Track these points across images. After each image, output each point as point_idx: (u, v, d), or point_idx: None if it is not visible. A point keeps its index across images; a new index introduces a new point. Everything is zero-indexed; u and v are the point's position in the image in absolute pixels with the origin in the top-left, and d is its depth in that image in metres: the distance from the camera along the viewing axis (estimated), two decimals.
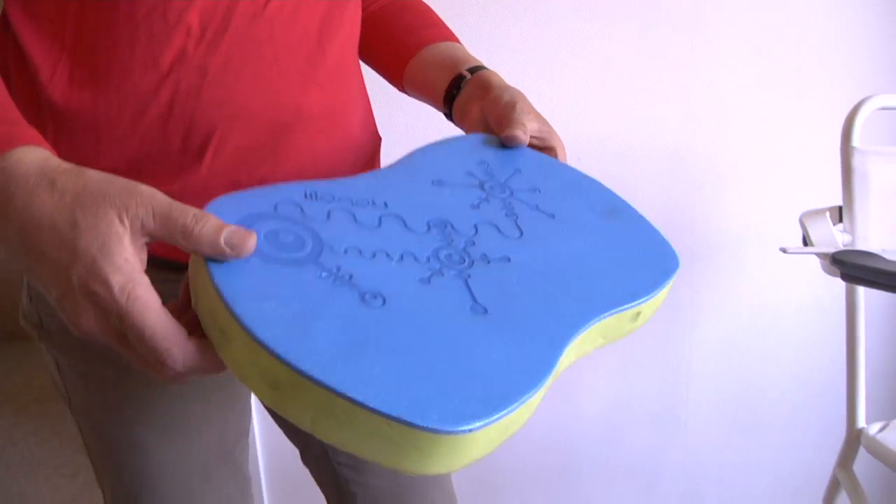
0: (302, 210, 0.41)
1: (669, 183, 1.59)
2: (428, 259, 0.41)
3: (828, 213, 1.12)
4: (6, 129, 0.41)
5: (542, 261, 0.44)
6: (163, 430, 0.67)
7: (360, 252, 0.40)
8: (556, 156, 0.60)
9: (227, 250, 0.37)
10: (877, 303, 1.63)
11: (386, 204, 0.44)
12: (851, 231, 1.14)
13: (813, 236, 1.09)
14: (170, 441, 0.68)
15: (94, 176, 0.39)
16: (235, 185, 0.48)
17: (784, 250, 1.06)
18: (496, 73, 0.67)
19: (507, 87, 0.63)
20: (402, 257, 0.40)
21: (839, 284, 1.14)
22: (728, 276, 1.68)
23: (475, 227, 0.45)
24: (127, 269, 0.37)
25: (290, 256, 0.38)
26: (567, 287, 0.42)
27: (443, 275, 0.40)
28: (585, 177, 0.55)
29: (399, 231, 0.42)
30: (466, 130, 0.65)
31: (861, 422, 1.20)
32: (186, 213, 0.38)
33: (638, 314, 0.44)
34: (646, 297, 0.44)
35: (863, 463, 1.22)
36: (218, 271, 0.36)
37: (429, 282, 0.39)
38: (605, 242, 0.48)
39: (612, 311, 0.42)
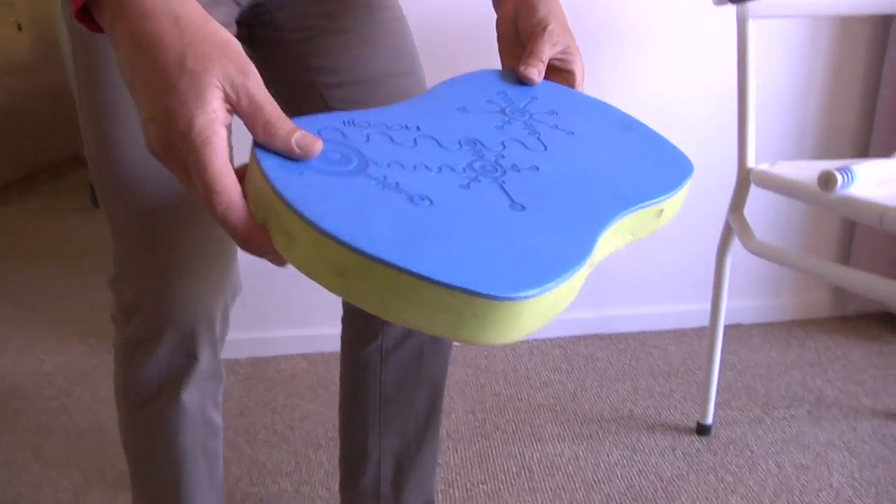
0: (343, 134, 0.45)
1: None
2: (464, 170, 0.45)
3: None
4: None
5: (569, 168, 0.48)
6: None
7: (402, 165, 0.44)
8: (574, 79, 0.62)
9: (297, 150, 0.41)
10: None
11: (418, 127, 0.48)
12: None
13: None
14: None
15: (217, 32, 0.42)
16: None
17: None
18: None
19: None
20: (440, 169, 0.44)
21: (734, 74, 1.12)
22: (630, 62, 1.64)
23: (503, 143, 0.49)
24: (211, 117, 0.40)
25: (340, 169, 0.42)
26: (595, 187, 0.46)
27: (479, 181, 0.44)
28: (599, 101, 0.59)
29: (434, 148, 0.46)
30: (497, 22, 0.65)
31: (751, 162, 1.19)
32: (274, 111, 0.42)
33: (661, 211, 0.48)
34: (668, 195, 0.48)
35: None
36: (280, 181, 0.39)
37: (468, 187, 0.43)
38: (625, 151, 0.52)
39: (639, 206, 0.46)
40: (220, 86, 0.41)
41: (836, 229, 1.83)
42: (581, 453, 1.35)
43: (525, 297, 0.36)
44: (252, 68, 0.42)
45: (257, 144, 0.42)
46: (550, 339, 1.81)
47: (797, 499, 1.21)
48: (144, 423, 0.76)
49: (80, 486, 1.27)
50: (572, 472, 1.29)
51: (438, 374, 0.93)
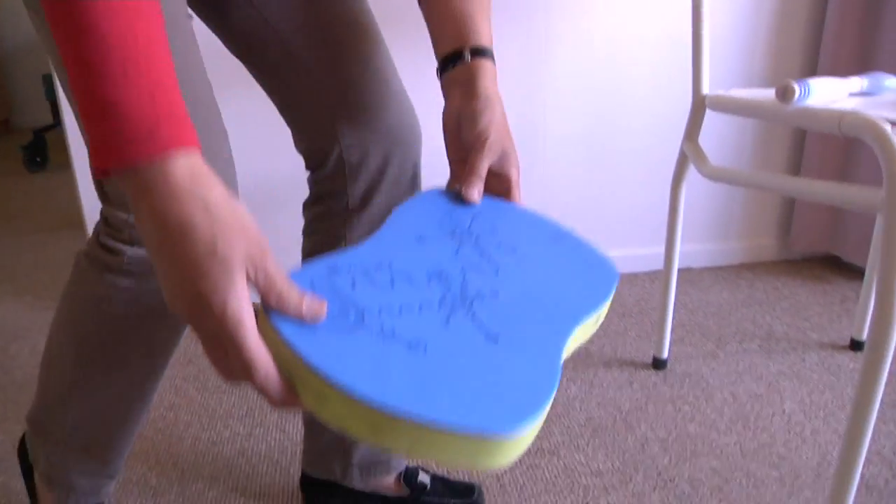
0: (332, 284, 0.50)
1: None
2: (440, 305, 0.51)
3: None
4: (168, 129, 0.43)
5: (521, 291, 0.55)
6: None
7: (391, 310, 0.49)
8: (510, 182, 0.69)
9: (308, 316, 0.46)
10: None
11: (390, 265, 0.54)
12: None
13: None
14: None
15: (240, 214, 0.45)
16: None
17: None
18: (491, 69, 0.71)
19: (488, 103, 0.68)
20: (420, 308, 0.50)
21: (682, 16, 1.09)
22: (582, 5, 1.62)
23: (462, 270, 0.56)
24: (241, 299, 0.44)
25: (344, 324, 0.47)
26: (547, 309, 0.54)
27: (455, 314, 0.50)
28: (529, 212, 0.68)
29: (409, 287, 0.52)
30: (443, 114, 0.71)
31: (705, 89, 1.18)
32: (284, 282, 0.46)
33: (598, 318, 0.57)
34: (603, 304, 0.57)
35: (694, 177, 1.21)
36: (303, 349, 0.44)
37: (448, 323, 0.50)
38: (561, 266, 0.60)
39: (583, 320, 0.54)
40: (244, 267, 0.45)
41: (785, 152, 1.86)
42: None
43: (525, 431, 0.44)
44: (266, 244, 0.46)
45: (269, 309, 0.46)
46: None
47: (752, 424, 1.23)
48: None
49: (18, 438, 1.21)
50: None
51: None
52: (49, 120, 3.13)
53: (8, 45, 3.67)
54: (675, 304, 1.60)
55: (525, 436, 0.44)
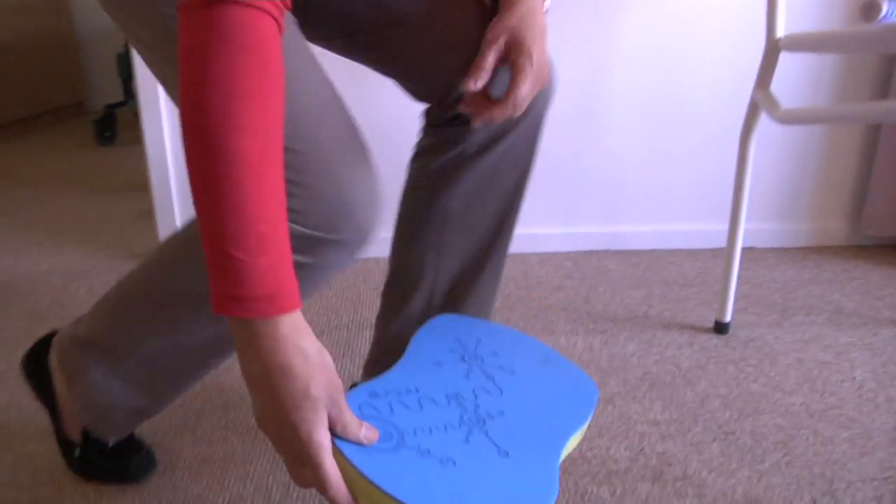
0: (376, 408, 0.63)
1: None
2: (459, 424, 0.64)
3: None
4: (283, 296, 0.53)
5: (521, 409, 0.68)
6: None
7: (423, 430, 0.62)
8: (517, 69, 0.71)
9: (365, 441, 0.57)
10: None
11: (417, 389, 0.68)
12: None
13: None
14: None
15: (326, 361, 0.56)
16: None
17: None
18: None
19: (514, 8, 0.73)
20: (445, 428, 0.63)
21: None
22: None
23: (474, 393, 0.69)
24: (324, 429, 0.55)
25: (390, 446, 0.59)
26: (544, 428, 0.66)
27: (473, 433, 0.63)
28: (522, 336, 0.81)
29: (434, 408, 0.65)
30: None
31: (779, 31, 1.14)
32: (348, 412, 0.57)
33: (584, 431, 0.71)
34: (587, 421, 0.69)
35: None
36: (367, 469, 0.55)
37: (467, 441, 0.62)
38: (552, 387, 0.73)
39: (572, 435, 0.67)
40: (326, 404, 0.55)
41: (866, 93, 1.78)
42: (595, 346, 1.30)
43: None
44: (340, 384, 0.57)
45: (337, 437, 0.57)
46: (561, 253, 1.76)
47: (820, 388, 1.17)
48: None
49: None
50: (586, 361, 1.25)
51: (514, 187, 0.86)
52: (121, 97, 3.22)
53: (83, 30, 3.80)
54: (738, 277, 1.55)
55: None
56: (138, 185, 2.36)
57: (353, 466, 0.56)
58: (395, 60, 0.82)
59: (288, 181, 0.58)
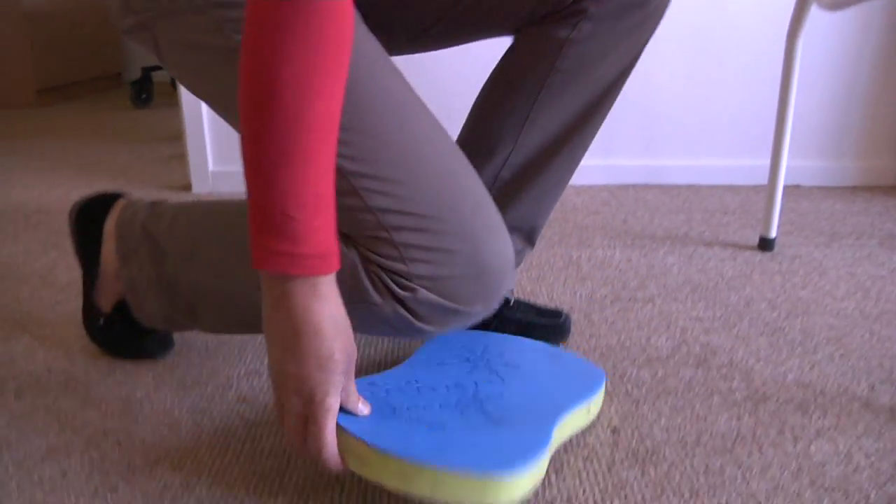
0: (373, 393, 0.65)
1: None
2: (455, 404, 0.66)
3: None
4: (332, 257, 0.55)
5: (522, 391, 0.70)
6: None
7: (417, 407, 0.64)
8: None
9: (359, 413, 0.60)
10: None
11: (416, 380, 0.70)
12: None
13: None
14: None
15: (348, 327, 0.58)
16: None
17: None
18: None
19: None
20: (440, 406, 0.65)
21: None
22: None
23: (475, 382, 0.70)
24: (337, 393, 0.57)
25: (381, 416, 0.62)
26: (542, 401, 0.68)
27: (468, 409, 0.65)
28: (529, 341, 0.82)
29: (432, 393, 0.67)
30: None
31: None
32: (352, 384, 0.59)
33: (588, 410, 0.73)
34: (591, 398, 0.72)
35: None
36: (352, 428, 0.58)
37: (462, 414, 0.64)
38: (556, 373, 0.75)
39: (573, 409, 0.69)
40: (346, 369, 0.57)
41: None
42: (634, 257, 1.25)
43: (519, 474, 0.57)
44: (355, 353, 0.59)
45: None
46: (597, 185, 1.71)
47: (874, 295, 1.10)
48: None
49: None
50: (623, 269, 1.20)
51: (616, 76, 0.82)
52: (156, 61, 3.25)
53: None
54: (781, 206, 1.49)
55: (520, 479, 0.57)
56: (172, 136, 2.36)
57: (341, 427, 0.58)
58: (483, 20, 0.81)
59: (416, 247, 0.62)
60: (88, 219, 0.87)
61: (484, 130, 0.85)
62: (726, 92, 1.67)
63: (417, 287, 0.63)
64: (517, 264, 0.93)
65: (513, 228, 0.88)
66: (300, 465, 0.70)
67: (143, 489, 0.66)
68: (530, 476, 0.59)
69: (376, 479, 0.58)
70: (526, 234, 0.90)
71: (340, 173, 0.62)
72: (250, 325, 0.75)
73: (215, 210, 0.78)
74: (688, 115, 1.69)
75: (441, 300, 0.64)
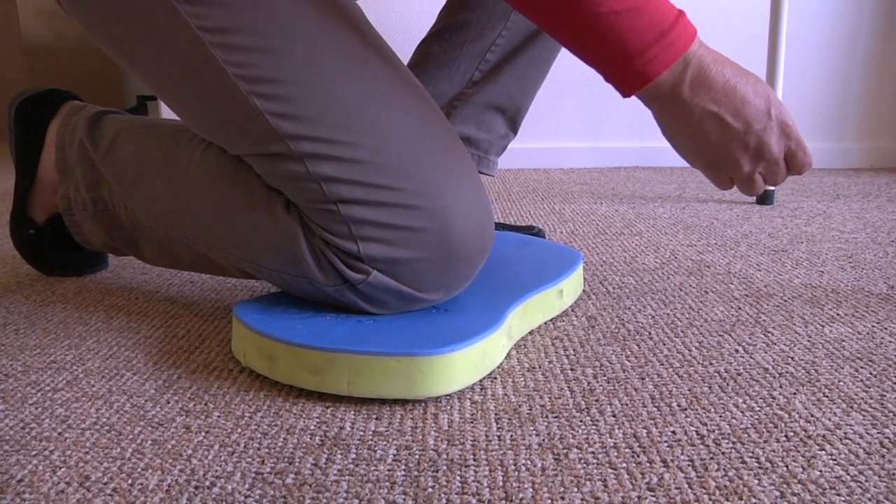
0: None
1: None
2: None
3: None
4: (683, 16, 0.51)
5: (482, 279, 0.62)
6: None
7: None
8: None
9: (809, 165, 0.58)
10: None
11: None
12: None
13: None
14: None
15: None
16: None
17: None
18: None
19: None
20: None
21: None
22: None
23: None
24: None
25: (302, 315, 0.55)
26: (503, 286, 0.61)
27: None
28: (502, 232, 0.78)
29: None
30: None
31: None
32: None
33: (561, 292, 0.64)
34: (562, 279, 0.63)
35: None
36: (259, 327, 0.52)
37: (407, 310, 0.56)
38: (525, 258, 0.69)
39: (540, 290, 0.61)
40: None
41: None
42: (621, 210, 1.15)
43: (453, 351, 0.48)
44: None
45: (237, 305, 0.56)
46: (587, 168, 1.63)
47: (886, 231, 1.00)
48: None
49: None
50: (610, 216, 1.10)
51: None
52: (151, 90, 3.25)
53: None
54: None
55: (455, 362, 0.48)
56: None
57: (244, 325, 0.53)
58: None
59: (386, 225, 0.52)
60: (31, 118, 0.77)
61: (461, 18, 0.78)
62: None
63: (371, 269, 0.52)
64: (500, 151, 0.84)
65: (498, 109, 0.81)
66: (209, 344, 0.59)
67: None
68: (468, 360, 0.49)
69: (288, 379, 0.51)
70: (511, 118, 0.82)
71: (277, 135, 0.51)
72: (199, 264, 0.65)
73: (158, 133, 0.67)
74: None
75: (398, 285, 0.53)
